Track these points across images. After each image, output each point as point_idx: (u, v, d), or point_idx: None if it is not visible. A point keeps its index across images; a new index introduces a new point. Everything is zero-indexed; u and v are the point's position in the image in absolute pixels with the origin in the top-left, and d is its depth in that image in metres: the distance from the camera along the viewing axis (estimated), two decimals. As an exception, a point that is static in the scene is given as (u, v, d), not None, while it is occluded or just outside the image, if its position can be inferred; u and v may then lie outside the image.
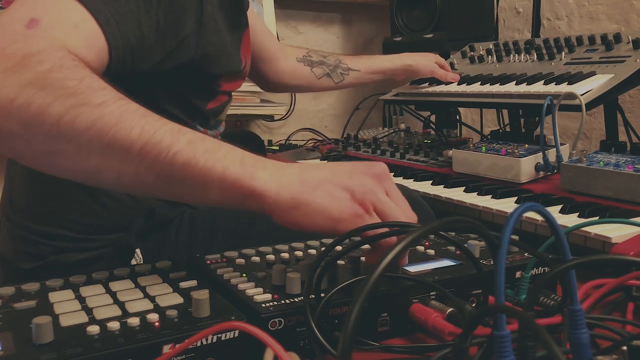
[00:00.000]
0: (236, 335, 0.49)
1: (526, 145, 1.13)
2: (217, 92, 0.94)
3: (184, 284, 0.58)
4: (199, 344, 0.47)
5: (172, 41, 0.78)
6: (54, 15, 0.63)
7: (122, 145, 0.56)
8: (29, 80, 0.55)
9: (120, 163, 0.56)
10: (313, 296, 0.54)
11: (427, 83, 1.48)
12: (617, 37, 1.21)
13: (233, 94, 1.03)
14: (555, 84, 1.14)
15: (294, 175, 0.58)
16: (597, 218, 0.84)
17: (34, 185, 0.88)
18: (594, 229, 0.78)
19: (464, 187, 1.08)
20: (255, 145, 1.54)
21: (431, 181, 1.15)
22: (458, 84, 1.39)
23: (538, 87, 1.16)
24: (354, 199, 0.57)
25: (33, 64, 0.56)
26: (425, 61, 1.45)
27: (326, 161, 1.45)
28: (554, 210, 0.90)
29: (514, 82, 1.23)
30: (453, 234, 0.73)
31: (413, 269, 0.63)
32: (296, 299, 0.55)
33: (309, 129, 2.17)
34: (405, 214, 0.59)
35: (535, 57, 1.34)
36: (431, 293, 0.60)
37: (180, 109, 0.89)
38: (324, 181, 0.57)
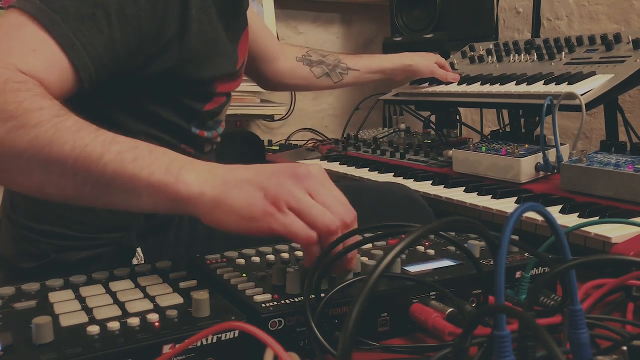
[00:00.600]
0: (236, 335, 0.49)
1: (526, 145, 1.13)
2: (214, 94, 0.94)
3: (184, 284, 0.58)
4: (199, 344, 0.47)
5: (152, 48, 0.79)
6: (12, 41, 0.67)
7: (58, 161, 0.59)
8: None
9: (59, 178, 0.60)
10: (313, 296, 0.54)
11: (427, 83, 1.48)
12: (617, 37, 1.21)
13: (233, 94, 1.03)
14: (555, 84, 1.14)
15: (218, 176, 0.59)
16: (597, 218, 0.84)
17: None
18: (594, 229, 0.78)
19: (464, 187, 1.08)
20: (255, 145, 1.54)
21: (431, 181, 1.15)
22: (458, 84, 1.39)
23: (538, 87, 1.16)
24: (266, 197, 0.56)
25: None
26: (425, 61, 1.45)
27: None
28: (554, 210, 0.90)
29: (514, 82, 1.23)
30: (453, 234, 0.73)
31: (413, 269, 0.63)
32: (296, 299, 0.55)
33: (309, 129, 2.17)
34: (333, 211, 0.57)
35: (535, 57, 1.34)
36: (431, 293, 0.60)
37: (175, 113, 0.89)
38: (243, 181, 0.58)
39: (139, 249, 0.89)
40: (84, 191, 0.60)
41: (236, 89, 1.02)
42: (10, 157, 0.60)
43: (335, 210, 0.57)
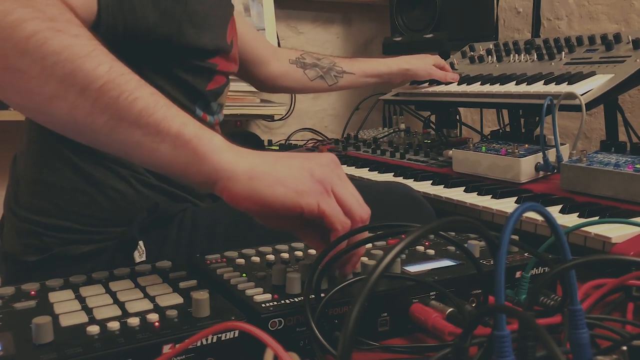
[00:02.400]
0: (236, 335, 0.49)
1: (526, 145, 1.13)
2: (215, 72, 0.96)
3: (184, 284, 0.58)
4: (199, 344, 0.47)
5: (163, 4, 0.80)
6: None
7: (85, 77, 0.55)
8: None
9: (76, 95, 0.55)
10: (313, 296, 0.54)
11: (427, 83, 1.48)
12: (617, 37, 1.21)
13: (233, 94, 1.03)
14: (555, 84, 1.14)
15: (252, 154, 0.57)
16: (597, 218, 0.84)
17: (41, 177, 0.89)
18: (594, 229, 0.78)
19: (464, 187, 1.08)
20: (255, 145, 1.54)
21: (431, 181, 1.15)
22: (458, 84, 1.39)
23: (538, 87, 1.16)
24: (313, 177, 0.55)
25: None
26: (423, 64, 1.45)
27: None
28: (554, 210, 0.90)
29: (514, 82, 1.23)
30: (453, 234, 0.73)
31: (413, 269, 0.63)
32: (296, 299, 0.55)
33: (309, 129, 2.17)
34: (359, 203, 0.59)
35: (535, 57, 1.34)
36: (431, 293, 0.60)
37: (179, 91, 0.91)
38: (284, 158, 0.57)
39: (140, 242, 0.89)
40: (97, 120, 0.55)
41: (236, 90, 1.03)
42: (33, 57, 0.55)
43: (361, 202, 0.59)
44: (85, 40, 0.57)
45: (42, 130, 0.87)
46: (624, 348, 0.42)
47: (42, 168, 0.89)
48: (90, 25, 0.70)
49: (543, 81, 1.17)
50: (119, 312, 0.51)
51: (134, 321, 0.48)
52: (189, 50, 0.89)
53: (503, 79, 1.27)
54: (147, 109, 0.55)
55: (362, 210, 0.58)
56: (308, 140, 1.88)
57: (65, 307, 0.52)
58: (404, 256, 0.68)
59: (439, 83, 1.45)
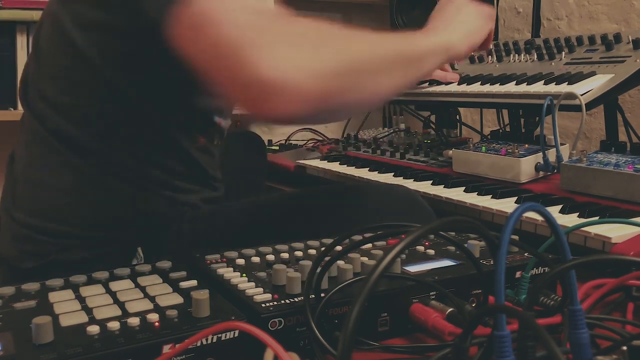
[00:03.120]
0: (236, 335, 0.49)
1: (526, 145, 1.13)
2: (212, 126, 0.97)
3: (184, 284, 0.58)
4: (199, 344, 0.47)
5: None
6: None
7: (409, 57, 0.78)
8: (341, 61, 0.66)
9: (401, 68, 0.76)
10: (313, 296, 0.54)
11: (427, 83, 1.48)
12: (617, 37, 1.21)
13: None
14: (555, 84, 1.13)
15: (462, 24, 0.95)
16: (597, 218, 0.84)
17: (40, 179, 0.88)
18: (594, 229, 0.78)
19: (464, 187, 1.08)
20: (255, 145, 1.54)
21: (431, 181, 1.15)
22: (458, 84, 1.39)
23: (538, 87, 1.16)
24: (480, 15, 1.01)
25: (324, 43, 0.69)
26: None
27: None
28: (554, 210, 0.90)
29: (514, 82, 1.23)
30: (453, 234, 0.73)
31: (413, 269, 0.63)
32: (296, 299, 0.55)
33: (309, 129, 2.17)
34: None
35: (535, 57, 1.34)
36: (431, 293, 0.60)
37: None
38: (464, 19, 0.96)
39: (139, 249, 0.89)
40: (413, 74, 0.79)
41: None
42: (370, 66, 0.70)
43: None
44: (361, 36, 0.72)
45: (42, 132, 0.87)
46: (624, 348, 0.42)
47: (42, 170, 0.88)
48: None
49: (543, 81, 1.17)
50: (119, 312, 0.51)
51: (134, 321, 0.48)
52: None
53: (503, 79, 1.27)
54: (426, 49, 0.83)
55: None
56: (308, 140, 1.88)
57: (65, 307, 0.52)
58: (404, 256, 0.68)
59: (439, 83, 1.45)
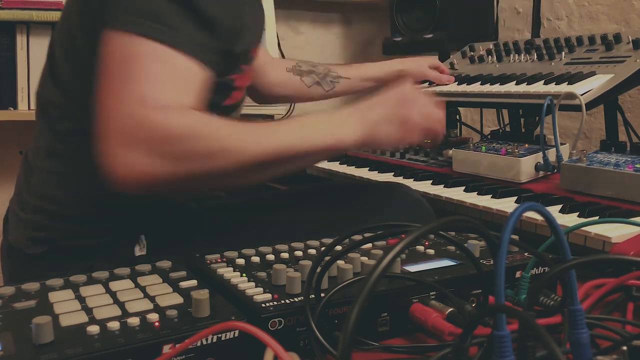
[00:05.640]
0: (236, 335, 0.49)
1: (526, 145, 1.13)
2: (232, 88, 0.96)
3: (184, 284, 0.58)
4: (199, 344, 0.47)
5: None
6: (153, 80, 0.72)
7: (264, 157, 0.77)
8: (180, 154, 0.72)
9: (269, 168, 0.81)
10: (313, 296, 0.54)
11: (427, 83, 1.48)
12: (617, 37, 1.21)
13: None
14: (555, 84, 1.14)
15: (366, 119, 0.87)
16: (597, 218, 0.84)
17: (57, 168, 0.90)
18: (594, 229, 0.78)
19: (464, 187, 1.08)
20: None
21: (431, 181, 1.15)
22: (458, 84, 1.39)
23: (538, 87, 1.16)
24: (404, 126, 0.89)
25: (174, 141, 0.71)
26: (417, 65, 1.45)
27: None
28: (554, 210, 0.90)
29: (514, 82, 1.23)
30: (453, 234, 0.73)
31: (413, 269, 0.63)
32: (296, 299, 0.55)
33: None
34: (432, 116, 0.93)
35: (535, 57, 1.34)
36: (431, 293, 0.60)
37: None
38: (384, 118, 0.88)
39: (142, 236, 0.89)
40: (285, 168, 0.83)
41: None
42: (226, 176, 0.77)
43: (437, 117, 0.93)
44: (234, 135, 0.76)
45: (61, 127, 0.89)
46: (624, 348, 0.42)
47: (60, 160, 0.89)
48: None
49: (543, 81, 1.17)
50: (119, 312, 0.51)
51: (134, 321, 0.48)
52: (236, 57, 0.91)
53: (503, 79, 1.27)
54: (308, 145, 0.81)
55: (434, 121, 0.93)
56: (308, 140, 1.88)
57: (65, 307, 0.52)
58: (403, 256, 0.68)
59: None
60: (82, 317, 0.50)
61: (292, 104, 2.25)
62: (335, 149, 0.85)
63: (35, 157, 0.93)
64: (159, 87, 0.72)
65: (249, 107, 1.95)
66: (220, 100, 0.94)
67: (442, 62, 1.56)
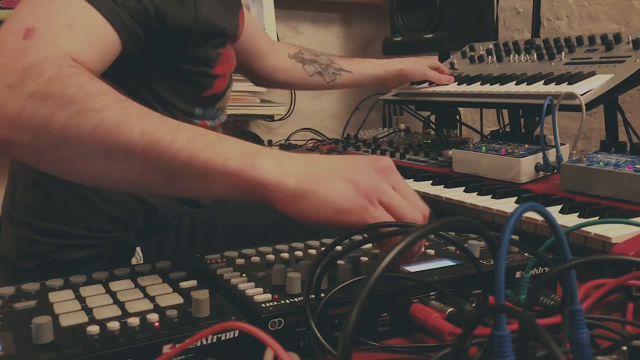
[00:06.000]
0: (236, 335, 0.49)
1: (526, 145, 1.13)
2: (210, 77, 0.95)
3: (184, 284, 0.58)
4: (199, 344, 0.47)
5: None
6: (47, 19, 0.64)
7: (125, 147, 0.57)
8: (31, 92, 0.57)
9: (125, 164, 0.58)
10: (313, 296, 0.54)
11: (427, 83, 1.48)
12: (617, 37, 1.21)
13: (233, 94, 1.03)
14: (555, 84, 1.14)
15: (298, 165, 0.58)
16: (597, 218, 0.84)
17: (39, 179, 0.89)
18: (594, 229, 0.78)
19: (464, 187, 1.08)
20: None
21: (431, 181, 1.15)
22: (458, 84, 1.39)
23: (538, 87, 1.16)
24: (358, 191, 0.57)
25: (33, 77, 0.58)
26: (417, 65, 1.45)
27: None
28: (554, 210, 0.90)
29: (514, 82, 1.23)
30: (453, 234, 0.73)
31: (413, 269, 0.63)
32: (296, 299, 0.55)
33: (309, 129, 2.17)
34: (415, 206, 0.60)
35: (535, 57, 1.34)
36: (431, 293, 0.60)
37: (179, 98, 0.91)
38: (329, 173, 0.58)
39: (138, 249, 0.89)
40: (151, 178, 0.58)
41: (236, 90, 1.02)
42: (74, 143, 0.57)
43: (416, 204, 0.60)
44: (110, 109, 0.58)
45: None
46: (624, 348, 0.42)
47: (40, 171, 0.88)
48: (116, 55, 0.72)
49: (543, 81, 1.17)
50: (119, 312, 0.51)
51: (134, 321, 0.48)
52: (202, 36, 0.87)
53: (503, 79, 1.27)
54: (190, 159, 0.57)
55: (414, 212, 0.59)
56: (308, 140, 1.88)
57: (65, 307, 0.52)
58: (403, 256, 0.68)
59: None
60: (82, 317, 0.50)
61: (292, 105, 2.25)
62: (248, 179, 0.56)
63: (18, 167, 0.92)
64: (56, 27, 0.65)
65: (249, 107, 1.96)
66: (199, 92, 0.93)
67: (442, 62, 1.57)
